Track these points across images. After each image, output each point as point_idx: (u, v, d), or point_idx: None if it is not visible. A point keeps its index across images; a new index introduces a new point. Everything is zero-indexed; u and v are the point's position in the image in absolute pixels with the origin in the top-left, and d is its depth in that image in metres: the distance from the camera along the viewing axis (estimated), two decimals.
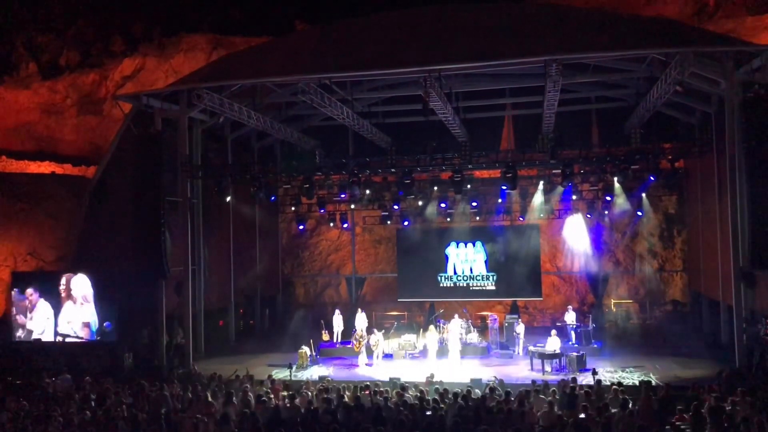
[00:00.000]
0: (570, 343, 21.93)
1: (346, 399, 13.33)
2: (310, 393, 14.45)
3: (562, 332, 22.31)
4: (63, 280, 21.30)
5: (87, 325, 21.20)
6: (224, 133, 25.49)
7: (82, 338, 21.16)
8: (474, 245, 26.84)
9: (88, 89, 33.05)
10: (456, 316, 22.74)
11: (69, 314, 21.32)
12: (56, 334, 21.27)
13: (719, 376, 16.48)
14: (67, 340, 21.29)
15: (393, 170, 21.85)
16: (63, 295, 21.33)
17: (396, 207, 25.30)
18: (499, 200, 24.75)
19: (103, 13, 35.75)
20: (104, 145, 28.21)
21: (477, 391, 14.57)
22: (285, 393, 13.91)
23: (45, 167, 30.38)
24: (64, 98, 32.90)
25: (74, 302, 21.26)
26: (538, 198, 24.45)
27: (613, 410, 11.72)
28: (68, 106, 32.91)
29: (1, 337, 21.85)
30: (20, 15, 34.60)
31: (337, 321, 23.74)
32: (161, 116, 21.11)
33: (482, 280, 26.72)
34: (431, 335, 21.14)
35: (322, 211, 26.04)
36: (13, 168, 29.57)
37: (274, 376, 16.73)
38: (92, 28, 35.37)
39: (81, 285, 21.28)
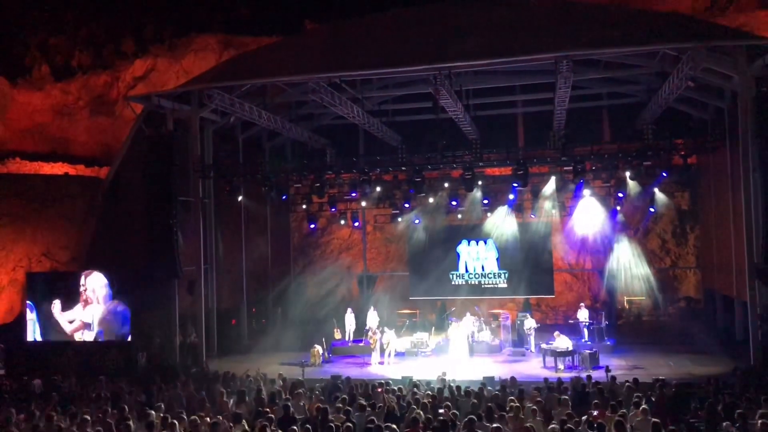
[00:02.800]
0: (583, 340, 21.85)
1: (359, 397, 13.34)
2: (322, 391, 14.48)
3: (574, 330, 22.27)
4: (82, 280, 21.49)
5: (87, 325, 21.34)
6: (235, 133, 25.57)
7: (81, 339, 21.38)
8: (485, 243, 26.76)
9: (100, 90, 33.23)
10: (468, 314, 22.75)
11: (73, 315, 21.54)
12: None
13: (734, 373, 16.38)
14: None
15: (404, 168, 21.87)
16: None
17: (407, 205, 25.30)
18: (511, 197, 24.65)
19: (114, 14, 35.92)
20: (116, 145, 28.35)
21: (489, 388, 14.55)
22: (298, 391, 13.95)
23: (58, 168, 30.59)
24: (77, 99, 33.09)
25: (86, 302, 21.42)
26: (549, 195, 24.35)
27: (626, 408, 11.68)
28: (80, 108, 33.09)
29: (17, 337, 22.07)
30: (33, 17, 34.84)
31: (349, 319, 23.79)
32: (173, 117, 21.24)
33: (494, 277, 26.62)
34: (453, 331, 21.21)
35: (333, 209, 26.08)
36: (26, 169, 29.79)
37: (286, 375, 16.78)
38: (104, 29, 35.54)
39: (94, 285, 21.43)
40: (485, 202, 24.66)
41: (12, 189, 25.58)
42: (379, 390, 14.19)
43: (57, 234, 25.40)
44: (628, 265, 27.47)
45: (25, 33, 34.64)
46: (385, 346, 20.83)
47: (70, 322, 21.45)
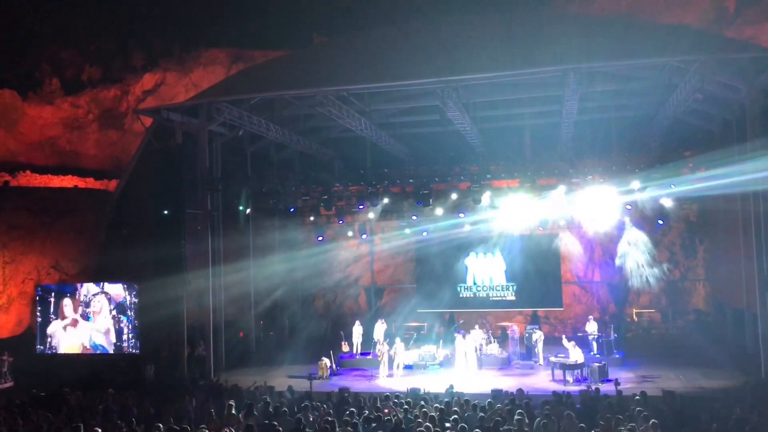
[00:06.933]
0: (592, 353, 21.72)
1: (367, 410, 13.31)
2: (330, 404, 14.44)
3: (583, 343, 22.13)
4: (92, 292, 21.58)
5: (97, 337, 21.43)
6: (243, 146, 25.66)
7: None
8: (493, 255, 26.67)
9: (110, 104, 33.54)
10: (476, 326, 22.67)
11: (82, 327, 21.63)
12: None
13: (745, 386, 16.24)
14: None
15: (411, 181, 21.90)
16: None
17: (414, 217, 25.29)
18: (518, 209, 24.53)
19: (123, 29, 36.31)
20: (125, 158, 28.58)
21: (497, 401, 14.47)
22: (305, 404, 13.92)
23: (68, 181, 30.81)
24: (87, 113, 33.39)
25: (95, 315, 21.50)
26: (557, 207, 24.24)
27: (635, 422, 11.59)
28: (90, 121, 33.39)
29: (26, 349, 22.15)
30: (44, 32, 35.24)
31: (357, 332, 23.73)
32: (181, 130, 21.29)
33: (502, 290, 26.54)
34: (461, 344, 21.16)
35: (340, 221, 26.11)
36: (36, 182, 30.02)
37: (294, 388, 16.75)
38: (113, 43, 35.92)
39: (102, 297, 21.52)
40: (492, 213, 24.57)
41: (22, 202, 25.77)
42: (387, 403, 14.13)
43: (66, 246, 25.52)
44: (637, 277, 27.34)
45: (36, 47, 35.03)
46: (393, 359, 20.77)
47: (80, 334, 21.53)
